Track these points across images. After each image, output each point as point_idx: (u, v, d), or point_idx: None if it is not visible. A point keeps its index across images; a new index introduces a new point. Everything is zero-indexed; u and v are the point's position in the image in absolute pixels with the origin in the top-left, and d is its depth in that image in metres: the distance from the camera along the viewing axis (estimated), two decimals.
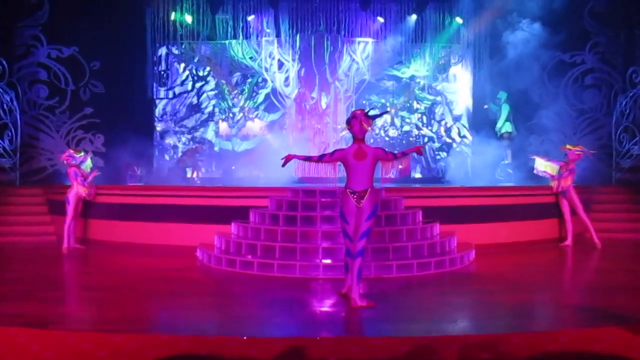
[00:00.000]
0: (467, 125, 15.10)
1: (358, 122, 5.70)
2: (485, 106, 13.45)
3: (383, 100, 15.10)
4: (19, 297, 6.08)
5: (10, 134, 11.95)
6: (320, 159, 5.90)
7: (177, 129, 14.81)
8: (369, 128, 5.79)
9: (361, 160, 5.71)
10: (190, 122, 15.01)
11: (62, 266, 8.42)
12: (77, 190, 9.41)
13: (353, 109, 6.01)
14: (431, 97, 15.21)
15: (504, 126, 13.11)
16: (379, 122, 15.01)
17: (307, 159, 5.95)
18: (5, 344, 4.46)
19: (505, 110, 13.07)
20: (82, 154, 9.66)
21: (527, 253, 9.15)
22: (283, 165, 5.91)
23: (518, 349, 4.38)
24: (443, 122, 15.26)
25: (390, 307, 5.81)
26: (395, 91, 15.14)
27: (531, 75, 12.83)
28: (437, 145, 15.16)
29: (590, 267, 8.60)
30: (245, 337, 4.60)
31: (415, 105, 15.19)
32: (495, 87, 13.39)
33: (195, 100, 15.07)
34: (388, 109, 14.56)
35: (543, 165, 10.09)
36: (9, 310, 5.51)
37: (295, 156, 5.91)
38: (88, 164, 9.81)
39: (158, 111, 14.84)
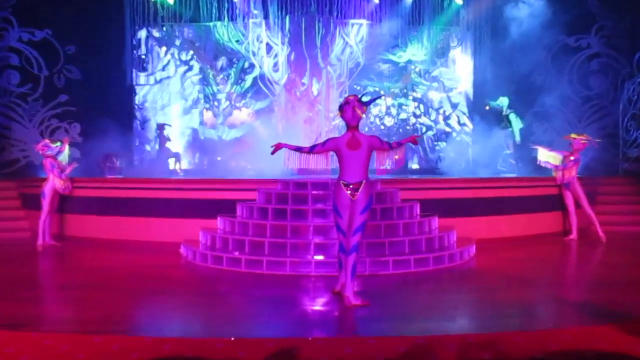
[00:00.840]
0: (466, 112, 15.14)
1: (351, 108, 5.71)
2: (487, 107, 13.36)
3: (377, 88, 15.10)
4: None
5: None
6: (312, 149, 5.91)
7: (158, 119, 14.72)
8: (363, 114, 5.79)
9: (355, 150, 5.72)
10: (171, 111, 14.93)
11: (37, 264, 8.40)
12: (53, 183, 9.37)
13: (346, 95, 5.99)
14: (427, 84, 15.22)
15: (515, 135, 12.96)
16: (374, 110, 15.02)
17: (298, 149, 5.95)
18: None
19: (515, 121, 12.87)
20: (59, 144, 9.62)
21: (530, 247, 9.22)
22: (272, 153, 5.91)
23: (520, 348, 4.42)
24: (441, 110, 15.29)
25: (386, 306, 5.84)
26: (391, 76, 15.15)
27: (534, 59, 12.87)
28: (431, 133, 15.18)
29: (595, 262, 8.69)
30: (232, 338, 4.62)
31: (411, 94, 15.21)
32: (497, 71, 13.40)
33: (177, 87, 15.00)
34: (382, 94, 14.56)
35: (546, 156, 10.16)
36: None
37: (285, 145, 5.91)
38: (66, 154, 9.77)
39: (138, 99, 14.75)
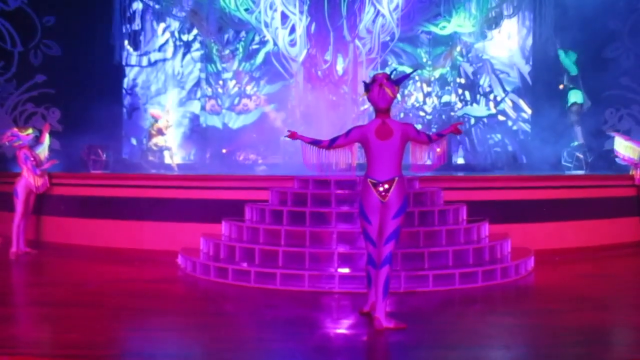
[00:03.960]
0: (523, 98, 15.01)
1: (377, 86, 5.65)
2: (562, 86, 13.18)
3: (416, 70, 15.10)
4: None
5: None
6: (332, 143, 5.87)
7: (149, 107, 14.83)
8: (394, 95, 5.70)
9: (386, 140, 5.66)
10: (166, 99, 15.01)
11: (9, 275, 8.53)
12: (27, 179, 9.49)
13: (374, 73, 5.96)
14: (470, 69, 15.14)
15: (572, 95, 12.83)
16: (411, 97, 14.99)
17: (314, 142, 5.93)
18: None
19: (572, 68, 12.72)
20: (31, 131, 9.74)
21: (601, 261, 9.14)
22: (289, 137, 5.90)
23: None
24: (491, 96, 15.18)
25: (424, 330, 5.82)
26: (432, 55, 15.08)
27: (607, 31, 12.69)
28: (472, 122, 15.09)
29: None
30: None
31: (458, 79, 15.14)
32: (561, 46, 13.25)
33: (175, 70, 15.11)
34: (415, 70, 14.52)
35: (624, 147, 10.03)
36: None
37: (300, 137, 5.90)
38: (46, 144, 9.89)
39: (128, 82, 14.87)
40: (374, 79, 5.74)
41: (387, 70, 6.04)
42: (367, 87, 5.77)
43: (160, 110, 13.65)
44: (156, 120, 13.32)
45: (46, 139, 9.95)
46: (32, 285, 8.36)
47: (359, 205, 5.83)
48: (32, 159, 9.52)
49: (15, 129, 9.80)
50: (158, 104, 14.81)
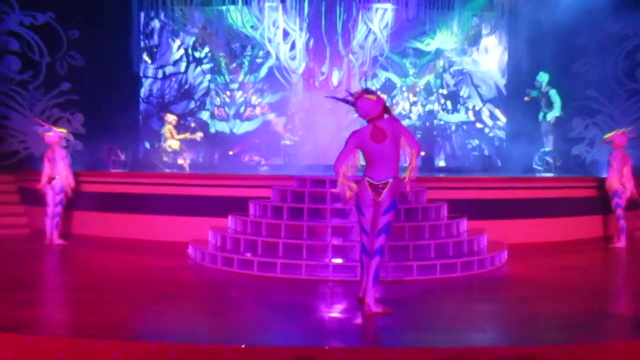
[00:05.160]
0: (498, 107, 15.01)
1: (360, 100, 5.57)
2: (527, 98, 13.12)
3: (399, 81, 15.08)
4: None
5: None
6: (340, 164, 5.66)
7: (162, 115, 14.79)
8: (375, 97, 5.57)
9: (381, 143, 5.60)
10: (178, 109, 14.97)
11: (37, 263, 8.49)
12: (65, 177, 9.44)
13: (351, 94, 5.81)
14: (452, 82, 15.14)
15: (555, 112, 12.71)
16: (399, 106, 14.99)
17: (337, 175, 5.68)
18: None
19: (556, 97, 12.63)
20: (65, 131, 9.82)
21: (567, 254, 9.12)
22: (343, 189, 5.68)
23: None
24: (470, 105, 15.20)
25: (409, 314, 5.82)
26: (417, 67, 15.09)
27: (575, 48, 12.69)
28: (453, 128, 15.09)
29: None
30: (243, 346, 4.62)
31: (441, 90, 15.13)
32: (534, 62, 13.25)
33: (186, 83, 15.05)
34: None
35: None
36: None
37: (339, 163, 5.67)
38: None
39: (144, 91, 14.84)
40: (355, 99, 5.65)
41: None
42: (354, 105, 5.70)
43: (174, 116, 13.60)
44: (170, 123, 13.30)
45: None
46: (57, 272, 8.34)
47: (355, 200, 5.79)
48: (68, 159, 9.50)
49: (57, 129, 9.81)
50: (170, 112, 14.80)
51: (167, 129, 13.10)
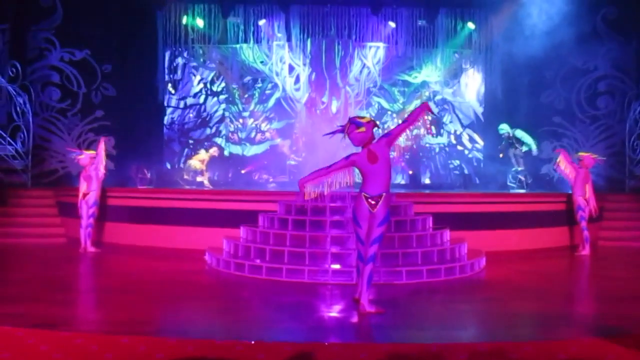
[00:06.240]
0: (477, 132, 15.05)
1: (353, 133, 5.59)
2: (501, 155, 12.94)
3: (390, 107, 15.11)
4: (29, 298, 6.11)
5: (22, 136, 12.05)
6: (331, 166, 5.74)
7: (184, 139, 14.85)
8: (364, 128, 5.58)
9: (375, 164, 5.65)
10: (197, 134, 15.01)
11: (72, 268, 8.46)
12: (98, 193, 9.49)
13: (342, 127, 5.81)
14: (435, 110, 15.19)
15: (532, 146, 12.62)
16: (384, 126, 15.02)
17: (317, 174, 5.73)
18: (15, 345, 4.48)
19: (525, 136, 12.56)
20: (93, 152, 9.80)
21: (539, 261, 9.07)
22: (304, 198, 5.73)
23: (528, 358, 4.33)
24: (452, 130, 15.24)
25: (399, 314, 5.78)
26: (405, 95, 15.14)
27: (543, 81, 12.76)
28: (437, 150, 15.08)
29: (603, 276, 8.48)
30: (252, 342, 4.59)
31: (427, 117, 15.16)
32: (507, 92, 13.31)
33: (204, 112, 15.10)
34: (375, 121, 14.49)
35: (564, 165, 9.96)
36: (19, 311, 5.52)
37: (305, 180, 5.74)
38: (102, 155, 9.77)
39: (167, 119, 14.91)
40: (347, 132, 5.66)
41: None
42: (349, 137, 5.72)
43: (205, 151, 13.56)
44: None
45: (102, 150, 9.74)
46: (89, 275, 8.31)
47: (352, 213, 5.79)
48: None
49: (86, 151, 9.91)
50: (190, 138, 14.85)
51: (199, 159, 12.95)
